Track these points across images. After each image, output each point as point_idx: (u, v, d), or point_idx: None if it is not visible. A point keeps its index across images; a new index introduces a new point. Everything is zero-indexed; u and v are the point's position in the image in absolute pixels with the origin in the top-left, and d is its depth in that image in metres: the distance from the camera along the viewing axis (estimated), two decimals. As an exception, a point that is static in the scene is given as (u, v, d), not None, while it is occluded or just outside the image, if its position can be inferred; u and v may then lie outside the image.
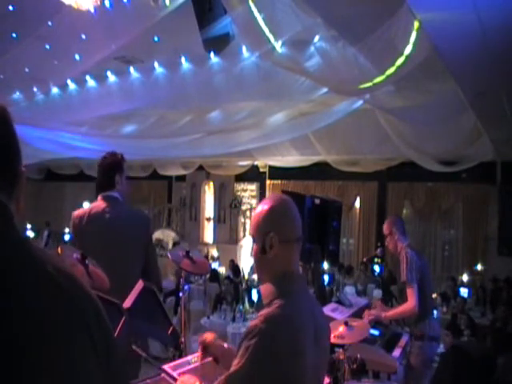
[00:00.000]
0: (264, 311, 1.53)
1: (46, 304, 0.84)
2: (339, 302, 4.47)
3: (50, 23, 4.44)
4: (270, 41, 3.87)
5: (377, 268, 9.47)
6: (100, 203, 3.15)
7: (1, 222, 0.89)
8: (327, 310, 4.20)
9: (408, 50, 3.74)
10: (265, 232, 1.61)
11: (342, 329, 3.18)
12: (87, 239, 3.03)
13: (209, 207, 13.63)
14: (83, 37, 4.54)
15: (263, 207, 1.65)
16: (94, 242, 2.99)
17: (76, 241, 3.13)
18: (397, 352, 3.97)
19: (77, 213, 3.15)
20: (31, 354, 0.79)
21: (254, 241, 1.66)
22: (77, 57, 4.83)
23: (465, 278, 9.45)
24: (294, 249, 1.65)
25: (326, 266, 7.37)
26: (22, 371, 0.78)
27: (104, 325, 0.93)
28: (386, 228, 4.14)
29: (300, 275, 1.72)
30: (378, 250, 4.53)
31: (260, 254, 1.63)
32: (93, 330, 0.89)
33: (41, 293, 0.84)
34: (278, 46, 4.15)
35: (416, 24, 3.55)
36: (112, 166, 3.21)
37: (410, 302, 3.75)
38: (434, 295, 7.17)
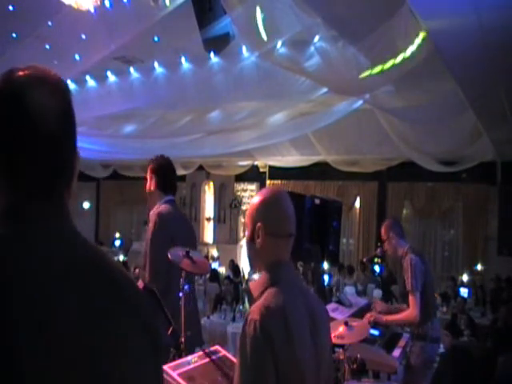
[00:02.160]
0: (257, 303, 1.54)
1: (106, 304, 0.85)
2: (339, 301, 4.47)
3: (49, 23, 4.45)
4: (267, 40, 3.87)
5: (377, 268, 9.46)
6: (175, 207, 3.39)
7: (61, 220, 0.91)
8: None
9: (410, 51, 3.74)
10: (255, 221, 1.65)
11: (341, 329, 3.17)
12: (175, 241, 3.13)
13: (209, 207, 13.63)
14: (83, 37, 4.54)
15: (259, 197, 1.70)
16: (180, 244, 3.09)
17: (160, 236, 3.21)
18: (397, 352, 3.97)
19: (165, 213, 3.26)
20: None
21: (247, 228, 1.72)
22: (77, 57, 4.82)
23: (465, 278, 9.45)
24: (282, 244, 1.65)
25: (325, 266, 7.36)
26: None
27: (154, 326, 0.93)
28: (383, 233, 4.09)
29: (289, 263, 1.72)
30: (378, 250, 4.49)
31: (250, 242, 1.68)
32: (145, 329, 0.90)
33: (103, 294, 0.86)
34: (278, 45, 4.15)
35: (422, 34, 3.57)
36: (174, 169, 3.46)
37: (412, 311, 3.72)
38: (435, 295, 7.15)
